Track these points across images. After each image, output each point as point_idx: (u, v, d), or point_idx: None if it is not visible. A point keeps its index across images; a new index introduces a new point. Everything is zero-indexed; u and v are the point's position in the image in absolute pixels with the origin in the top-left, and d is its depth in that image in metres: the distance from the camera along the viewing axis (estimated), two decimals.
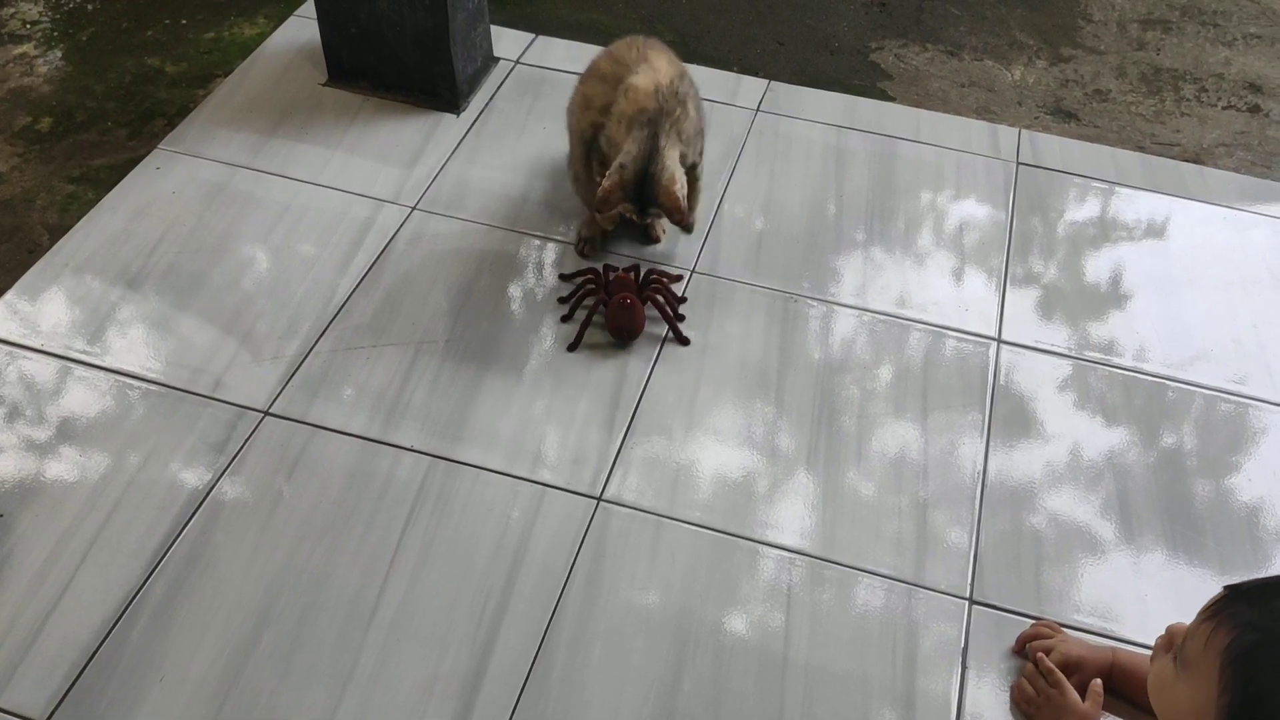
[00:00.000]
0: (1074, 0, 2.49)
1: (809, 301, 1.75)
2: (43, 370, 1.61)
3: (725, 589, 1.38)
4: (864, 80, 2.25)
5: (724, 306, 1.73)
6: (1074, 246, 1.87)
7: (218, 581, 1.37)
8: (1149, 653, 1.18)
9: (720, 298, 1.75)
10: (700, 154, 1.74)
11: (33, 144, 2.03)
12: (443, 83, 2.06)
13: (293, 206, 1.87)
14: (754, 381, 1.63)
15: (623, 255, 1.81)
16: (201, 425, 1.54)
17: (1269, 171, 2.07)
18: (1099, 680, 1.23)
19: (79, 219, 1.84)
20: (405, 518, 1.44)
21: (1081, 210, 1.94)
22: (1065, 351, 1.69)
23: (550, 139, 2.02)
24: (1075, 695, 1.22)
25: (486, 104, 2.10)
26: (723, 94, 2.14)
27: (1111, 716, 1.24)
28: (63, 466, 1.49)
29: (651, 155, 1.56)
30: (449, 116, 2.07)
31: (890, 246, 1.85)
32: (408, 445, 1.52)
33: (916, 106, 2.17)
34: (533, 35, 2.27)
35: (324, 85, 2.12)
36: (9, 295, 1.72)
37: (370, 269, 1.77)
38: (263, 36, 2.26)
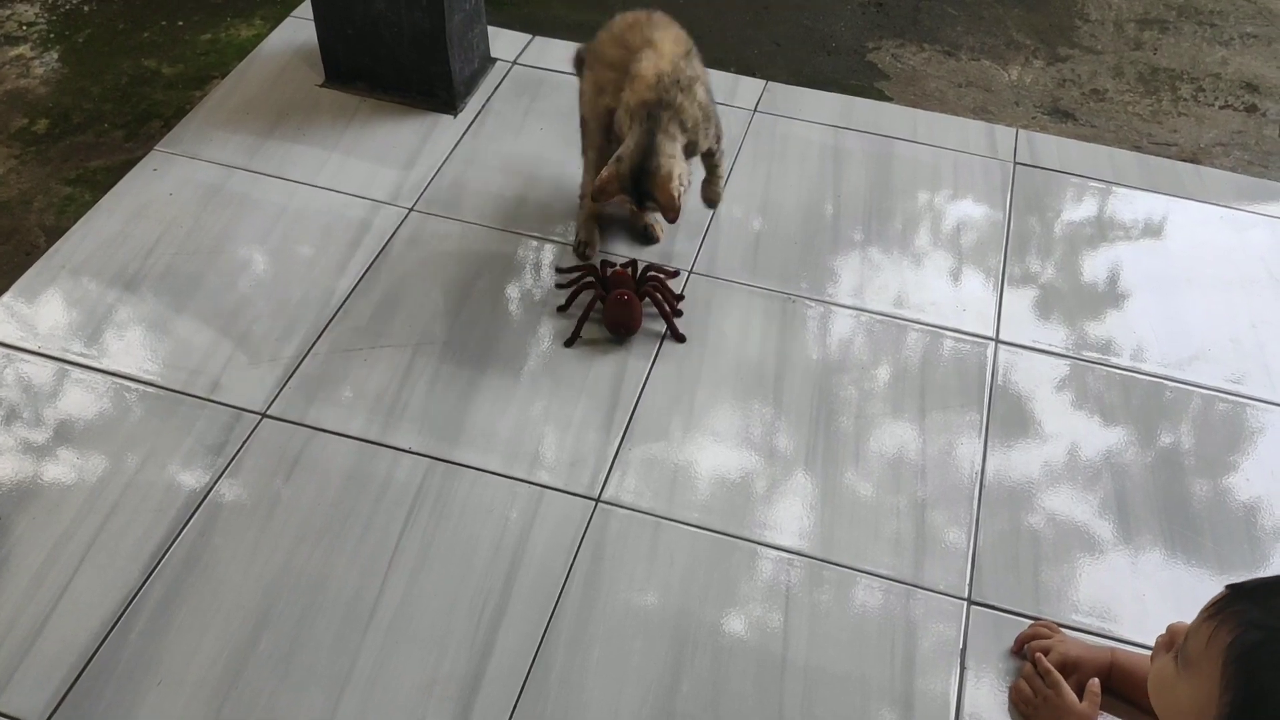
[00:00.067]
0: (1071, 0, 2.49)
1: (807, 302, 1.75)
2: (40, 372, 1.61)
3: (724, 590, 1.38)
4: (861, 80, 2.25)
5: (722, 307, 1.73)
6: (1071, 246, 1.87)
7: (216, 584, 1.37)
8: (1147, 653, 1.18)
9: (718, 298, 1.75)
10: (717, 139, 1.71)
11: (29, 146, 2.03)
12: (440, 83, 2.05)
13: (290, 208, 1.87)
14: (752, 382, 1.63)
15: (621, 255, 1.81)
16: (199, 427, 1.54)
17: (1266, 171, 2.07)
18: (1096, 680, 1.23)
19: (76, 221, 1.84)
20: (403, 519, 1.44)
21: (1079, 210, 1.94)
22: (1063, 351, 1.70)
23: (548, 140, 2.02)
24: (1072, 696, 1.22)
25: (484, 105, 2.10)
26: (720, 95, 2.12)
27: (1110, 716, 1.25)
28: (60, 469, 1.49)
29: (649, 150, 1.55)
30: (446, 117, 2.07)
31: (888, 247, 1.85)
32: (406, 447, 1.52)
33: (914, 107, 2.17)
34: (530, 36, 2.27)
35: (321, 86, 2.12)
36: (6, 297, 1.71)
37: (368, 270, 1.77)
38: (259, 38, 2.26)
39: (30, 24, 2.32)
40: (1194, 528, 1.47)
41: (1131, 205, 1.96)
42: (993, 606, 1.38)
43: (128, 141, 2.03)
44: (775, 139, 2.05)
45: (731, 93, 2.15)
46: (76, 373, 1.61)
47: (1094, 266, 1.84)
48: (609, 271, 1.70)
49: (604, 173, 1.57)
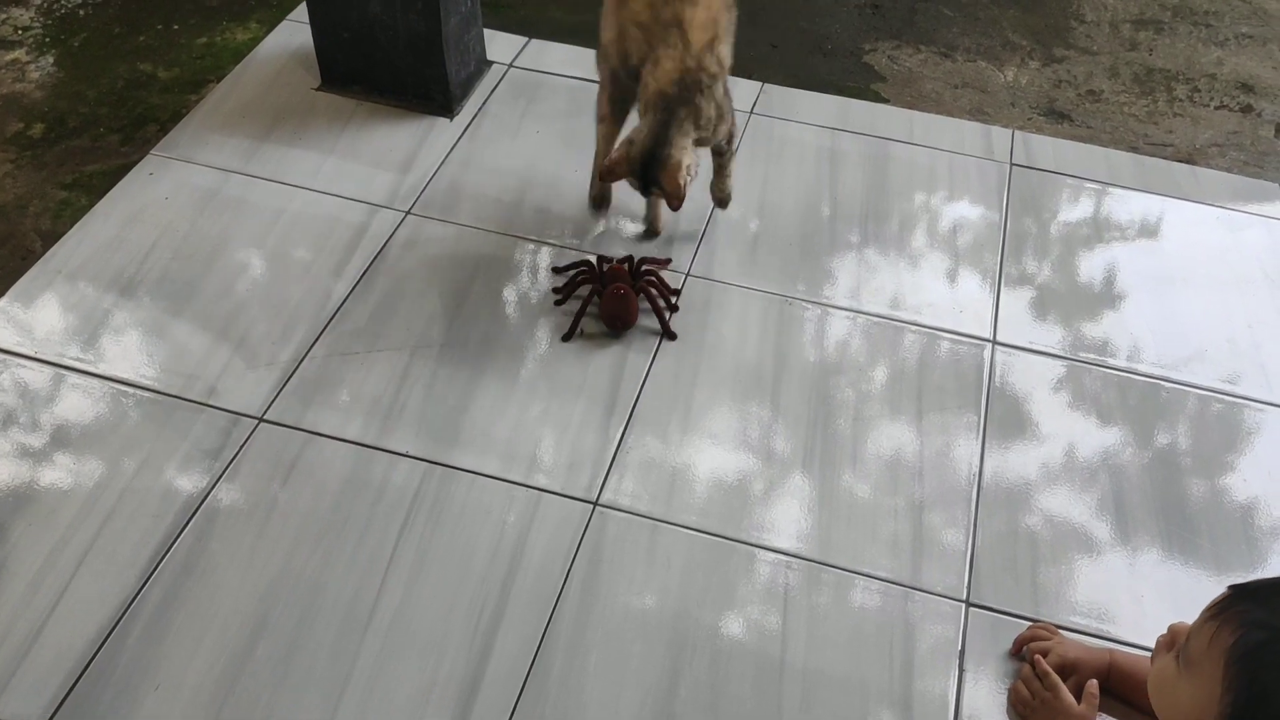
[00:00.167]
0: (1066, 1, 2.50)
1: (804, 304, 1.75)
2: (36, 378, 1.60)
3: (722, 593, 1.38)
4: (857, 82, 2.26)
5: (719, 309, 1.73)
6: (1068, 247, 1.87)
7: (213, 589, 1.37)
8: (1146, 654, 1.18)
9: (715, 300, 1.75)
10: (729, 139, 1.69)
11: (25, 150, 2.02)
12: (436, 87, 2.05)
13: (286, 211, 1.87)
14: (749, 384, 1.63)
15: (618, 251, 1.80)
16: (196, 432, 1.54)
17: (1261, 171, 2.07)
18: (1094, 682, 1.23)
19: (72, 225, 1.84)
20: (401, 523, 1.44)
21: (1075, 211, 1.94)
22: (1059, 352, 1.70)
23: (544, 143, 2.02)
24: (1070, 697, 1.22)
25: (480, 108, 2.10)
26: None
27: (1108, 718, 1.25)
28: (57, 474, 1.48)
29: (661, 140, 1.54)
30: (442, 120, 2.07)
31: (884, 248, 1.85)
32: (403, 451, 1.52)
33: (910, 108, 2.17)
34: (526, 39, 2.27)
35: (317, 90, 2.12)
36: (2, 302, 1.71)
37: (364, 274, 1.77)
38: (255, 41, 2.26)
39: (25, 28, 2.32)
40: (1191, 528, 1.47)
41: (1127, 206, 1.96)
42: (991, 608, 1.38)
43: (123, 146, 2.03)
44: (772, 141, 2.05)
45: None
46: (73, 378, 1.60)
47: (1090, 267, 1.84)
48: (605, 266, 1.70)
49: (614, 154, 1.57)
